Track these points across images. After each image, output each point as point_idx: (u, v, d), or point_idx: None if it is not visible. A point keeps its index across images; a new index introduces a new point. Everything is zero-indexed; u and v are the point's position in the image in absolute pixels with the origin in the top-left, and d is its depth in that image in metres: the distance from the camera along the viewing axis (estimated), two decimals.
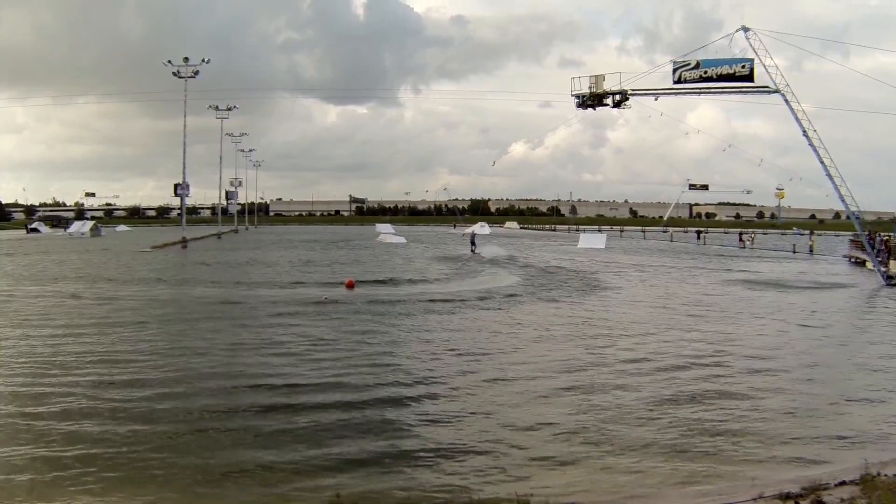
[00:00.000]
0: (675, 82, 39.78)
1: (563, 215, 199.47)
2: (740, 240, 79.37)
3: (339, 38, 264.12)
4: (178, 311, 22.09)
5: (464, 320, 21.12)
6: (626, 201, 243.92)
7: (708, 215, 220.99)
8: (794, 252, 62.49)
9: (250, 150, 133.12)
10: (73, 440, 9.52)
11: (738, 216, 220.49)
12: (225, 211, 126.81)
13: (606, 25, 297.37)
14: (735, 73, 38.24)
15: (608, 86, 40.45)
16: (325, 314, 21.59)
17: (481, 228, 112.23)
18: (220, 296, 25.95)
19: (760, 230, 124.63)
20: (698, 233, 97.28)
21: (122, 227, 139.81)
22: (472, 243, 56.43)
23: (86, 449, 9.22)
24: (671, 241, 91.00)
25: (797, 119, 35.47)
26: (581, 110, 42.11)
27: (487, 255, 50.95)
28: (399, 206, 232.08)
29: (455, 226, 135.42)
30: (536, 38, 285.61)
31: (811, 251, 63.11)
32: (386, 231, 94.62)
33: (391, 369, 14.13)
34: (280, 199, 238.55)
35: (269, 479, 8.35)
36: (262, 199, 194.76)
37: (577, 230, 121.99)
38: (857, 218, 38.00)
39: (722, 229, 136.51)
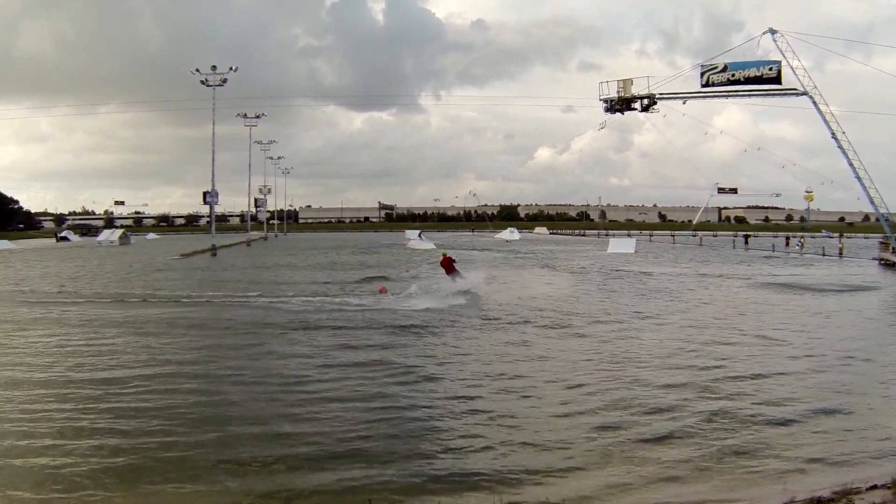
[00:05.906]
0: (703, 85, 39.72)
1: (593, 220, 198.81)
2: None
3: (360, 45, 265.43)
4: (208, 325, 21.54)
5: (501, 334, 20.08)
6: (654, 205, 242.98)
7: (737, 219, 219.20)
8: (824, 255, 61.82)
9: (279, 158, 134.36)
10: (99, 447, 9.60)
11: (767, 219, 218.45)
12: (254, 218, 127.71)
13: (628, 29, 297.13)
14: (763, 75, 38.10)
15: (635, 90, 40.51)
16: (363, 324, 21.14)
17: (511, 234, 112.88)
18: (254, 308, 26.12)
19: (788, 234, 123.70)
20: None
21: (151, 236, 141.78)
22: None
23: (107, 455, 9.35)
24: (700, 244, 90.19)
25: (825, 121, 35.23)
26: (609, 114, 42.33)
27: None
28: (428, 212, 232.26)
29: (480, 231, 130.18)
30: (559, 42, 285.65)
31: (840, 254, 62.41)
32: (415, 237, 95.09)
33: (429, 386, 13.69)
34: (309, 207, 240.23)
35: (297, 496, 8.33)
36: (291, 206, 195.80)
37: (607, 235, 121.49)
38: (887, 220, 37.63)
39: (752, 233, 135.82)
